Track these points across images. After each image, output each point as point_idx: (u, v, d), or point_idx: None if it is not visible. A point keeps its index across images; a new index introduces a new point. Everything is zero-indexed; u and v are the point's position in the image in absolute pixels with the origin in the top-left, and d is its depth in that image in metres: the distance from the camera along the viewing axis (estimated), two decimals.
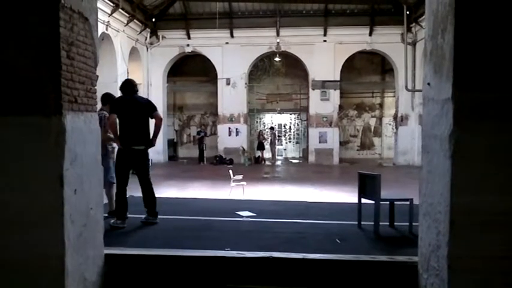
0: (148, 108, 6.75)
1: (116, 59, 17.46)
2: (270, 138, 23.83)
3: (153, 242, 5.58)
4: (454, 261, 3.55)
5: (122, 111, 6.57)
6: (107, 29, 16.40)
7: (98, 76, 4.65)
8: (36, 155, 3.66)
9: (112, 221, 6.41)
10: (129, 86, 6.88)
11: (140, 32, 20.13)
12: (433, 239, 3.85)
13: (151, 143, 6.70)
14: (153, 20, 21.09)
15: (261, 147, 23.12)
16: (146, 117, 6.70)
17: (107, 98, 7.37)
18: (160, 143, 21.49)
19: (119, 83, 17.90)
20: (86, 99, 4.18)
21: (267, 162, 22.70)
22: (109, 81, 16.57)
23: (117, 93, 17.71)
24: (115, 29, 17.23)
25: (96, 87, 4.47)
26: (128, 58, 18.83)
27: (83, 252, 4.05)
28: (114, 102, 6.91)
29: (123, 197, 6.54)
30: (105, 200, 6.65)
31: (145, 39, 21.07)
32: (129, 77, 18.70)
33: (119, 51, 17.70)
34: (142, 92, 20.84)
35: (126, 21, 18.08)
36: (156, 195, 6.80)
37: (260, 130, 24.85)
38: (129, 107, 6.61)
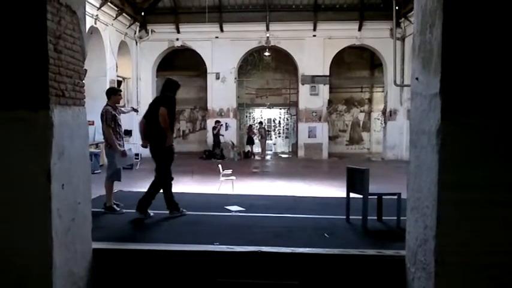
0: (161, 104, 6.72)
1: (104, 53, 17.31)
2: (260, 132, 23.76)
3: (141, 237, 5.57)
4: (441, 255, 3.58)
5: (148, 110, 6.92)
6: (95, 23, 16.26)
7: (86, 70, 4.62)
8: (23, 150, 3.64)
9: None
10: (164, 84, 7.16)
11: (129, 26, 19.99)
12: (421, 233, 3.88)
13: (163, 140, 6.68)
14: (142, 14, 20.94)
15: (250, 141, 23.11)
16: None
17: (109, 92, 7.55)
18: None
19: (108, 77, 17.94)
20: (73, 93, 4.16)
21: (257, 157, 22.70)
22: (98, 75, 16.47)
23: (106, 87, 17.54)
24: (104, 22, 17.09)
25: (84, 81, 4.45)
26: (117, 52, 18.70)
27: (71, 247, 4.04)
28: None
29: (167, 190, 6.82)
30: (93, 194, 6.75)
31: (135, 33, 20.93)
32: (118, 72, 18.76)
33: (108, 45, 17.57)
34: (131, 86, 20.76)
35: (115, 15, 17.95)
36: (144, 190, 6.79)
37: (250, 125, 24.82)
38: (151, 104, 6.96)
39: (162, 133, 6.63)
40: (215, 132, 21.60)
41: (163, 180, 6.75)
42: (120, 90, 7.85)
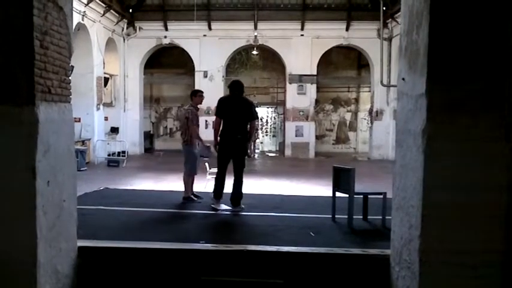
0: (248, 111, 7.55)
1: (91, 49, 17.16)
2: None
3: (127, 235, 5.55)
4: (426, 255, 3.62)
5: (224, 109, 7.45)
6: (83, 19, 16.11)
7: (73, 67, 4.60)
8: (8, 146, 3.61)
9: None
10: (234, 85, 7.86)
11: (117, 23, 19.84)
12: (405, 232, 3.91)
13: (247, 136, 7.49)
14: (130, 10, 20.78)
15: None
16: (244, 115, 7.46)
17: (191, 94, 8.41)
18: (137, 135, 21.35)
19: (95, 74, 17.78)
20: (59, 90, 4.13)
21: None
22: (85, 72, 16.34)
23: (93, 84, 17.35)
24: (91, 19, 16.95)
25: (70, 78, 4.42)
26: (104, 49, 18.56)
27: (56, 245, 4.01)
28: (218, 103, 7.68)
29: (220, 181, 7.54)
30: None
31: (122, 30, 20.78)
32: (106, 69, 18.64)
33: (95, 42, 17.42)
34: (118, 84, 20.66)
35: (102, 12, 17.80)
36: (132, 188, 6.77)
37: None
38: (227, 103, 7.57)
39: (245, 130, 7.42)
40: None
41: (242, 174, 7.52)
42: (201, 91, 8.41)
